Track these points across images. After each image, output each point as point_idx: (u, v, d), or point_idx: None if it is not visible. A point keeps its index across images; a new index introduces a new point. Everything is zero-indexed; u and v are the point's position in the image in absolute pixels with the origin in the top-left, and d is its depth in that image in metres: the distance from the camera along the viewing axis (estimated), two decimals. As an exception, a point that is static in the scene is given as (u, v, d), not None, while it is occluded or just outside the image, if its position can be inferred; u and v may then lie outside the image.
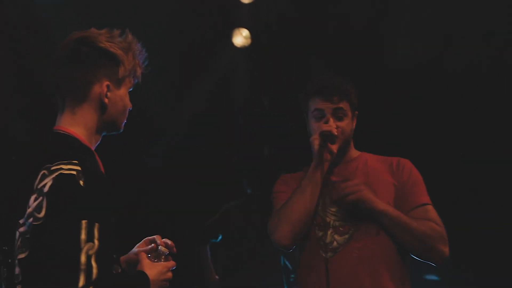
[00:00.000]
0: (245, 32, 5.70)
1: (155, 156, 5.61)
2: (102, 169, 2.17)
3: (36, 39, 4.77)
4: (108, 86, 2.18)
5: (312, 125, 3.02)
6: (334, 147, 2.94)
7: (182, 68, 5.49)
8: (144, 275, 2.13)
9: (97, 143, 2.26)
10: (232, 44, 5.70)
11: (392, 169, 3.04)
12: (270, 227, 2.97)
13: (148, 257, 2.27)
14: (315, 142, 2.92)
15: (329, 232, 2.93)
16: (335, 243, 2.91)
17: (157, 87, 5.28)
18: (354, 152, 3.15)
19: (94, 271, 1.91)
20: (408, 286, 2.96)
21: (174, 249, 2.35)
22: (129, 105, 2.29)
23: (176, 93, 5.53)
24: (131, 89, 2.30)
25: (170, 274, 2.22)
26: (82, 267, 1.89)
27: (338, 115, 2.99)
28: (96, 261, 1.91)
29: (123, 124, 2.29)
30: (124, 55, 2.20)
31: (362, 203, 2.86)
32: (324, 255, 2.89)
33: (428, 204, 2.98)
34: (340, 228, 2.94)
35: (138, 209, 5.47)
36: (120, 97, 2.23)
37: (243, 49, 5.73)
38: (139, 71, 2.27)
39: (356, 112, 3.11)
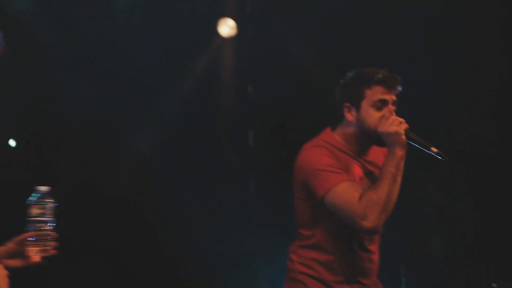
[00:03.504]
0: (230, 22, 5.85)
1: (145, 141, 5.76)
2: None
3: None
4: None
5: (371, 113, 2.94)
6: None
7: (168, 58, 5.63)
8: None
9: None
10: (218, 34, 5.86)
11: None
12: (360, 211, 2.80)
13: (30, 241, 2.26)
14: (403, 137, 2.87)
15: None
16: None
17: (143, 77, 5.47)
18: None
19: None
20: None
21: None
22: None
23: (163, 83, 5.68)
24: None
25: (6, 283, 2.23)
26: None
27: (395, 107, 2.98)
28: None
29: None
30: None
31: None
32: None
33: None
34: None
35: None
36: None
37: (229, 39, 5.89)
38: None
39: None
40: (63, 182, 5.31)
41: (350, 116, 2.97)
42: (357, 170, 2.99)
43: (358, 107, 2.96)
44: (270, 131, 6.03)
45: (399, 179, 2.86)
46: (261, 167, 6.07)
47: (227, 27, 5.84)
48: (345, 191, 2.83)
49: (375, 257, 3.07)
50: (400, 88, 2.96)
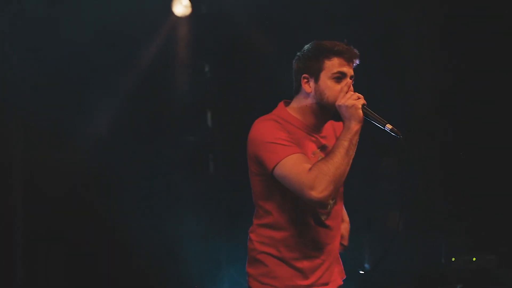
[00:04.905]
0: (185, 1, 5.78)
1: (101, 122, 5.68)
2: None
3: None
4: None
5: (330, 85, 2.92)
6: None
7: (123, 38, 5.54)
8: None
9: None
10: (172, 13, 5.79)
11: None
12: (309, 181, 2.77)
13: None
14: (359, 111, 2.85)
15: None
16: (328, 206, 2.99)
17: (98, 56, 5.37)
18: None
19: None
20: None
21: None
22: None
23: (118, 63, 5.58)
24: None
25: None
26: None
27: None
28: None
29: None
30: None
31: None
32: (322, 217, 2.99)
33: None
34: None
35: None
36: None
37: (183, 17, 5.82)
38: None
39: None
40: (16, 166, 5.23)
41: (308, 87, 2.93)
42: (310, 145, 2.96)
43: (316, 79, 2.92)
44: (228, 111, 6.01)
45: (351, 153, 2.83)
46: (221, 147, 6.04)
47: (181, 6, 5.78)
48: (294, 162, 2.80)
49: (334, 232, 3.04)
50: (358, 62, 2.94)
